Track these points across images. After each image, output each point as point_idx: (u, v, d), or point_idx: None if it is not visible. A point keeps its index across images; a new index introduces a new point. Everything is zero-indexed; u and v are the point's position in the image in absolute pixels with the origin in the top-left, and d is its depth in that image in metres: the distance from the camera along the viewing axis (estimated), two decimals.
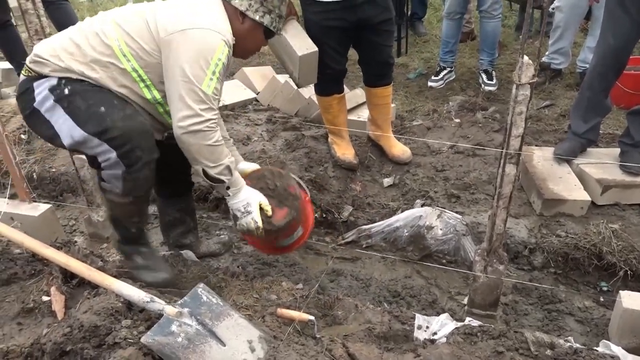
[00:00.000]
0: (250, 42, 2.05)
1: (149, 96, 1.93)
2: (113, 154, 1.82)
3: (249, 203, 2.01)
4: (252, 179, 2.17)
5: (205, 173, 1.92)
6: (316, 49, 2.70)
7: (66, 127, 1.84)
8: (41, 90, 1.86)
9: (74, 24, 5.05)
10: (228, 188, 1.99)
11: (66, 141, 1.87)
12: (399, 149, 3.24)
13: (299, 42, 2.68)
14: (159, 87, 1.92)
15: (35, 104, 1.87)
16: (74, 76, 1.84)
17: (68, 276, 1.95)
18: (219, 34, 1.83)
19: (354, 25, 2.75)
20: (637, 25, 2.54)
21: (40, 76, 1.86)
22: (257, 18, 1.96)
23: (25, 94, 1.90)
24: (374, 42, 2.85)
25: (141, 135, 1.85)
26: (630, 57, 2.75)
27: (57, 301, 1.84)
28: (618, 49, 2.62)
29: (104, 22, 1.90)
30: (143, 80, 1.89)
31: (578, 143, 2.94)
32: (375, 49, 2.89)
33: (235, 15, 1.96)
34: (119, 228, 2.10)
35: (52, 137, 1.93)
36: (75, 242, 2.42)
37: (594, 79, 2.78)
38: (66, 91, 1.82)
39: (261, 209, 2.05)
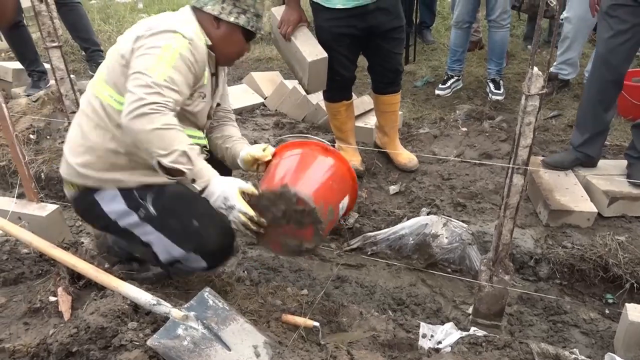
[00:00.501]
0: (230, 46, 1.94)
1: None
2: (203, 264, 1.88)
3: (226, 197, 1.74)
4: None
5: (160, 166, 1.70)
6: (326, 55, 2.72)
7: (162, 245, 1.87)
8: (111, 204, 1.87)
9: (85, 25, 5.05)
10: (194, 181, 1.73)
11: (162, 256, 1.90)
12: (405, 157, 3.25)
13: (308, 48, 2.69)
14: None
15: (114, 219, 1.89)
16: (125, 178, 1.84)
17: (75, 277, 1.96)
18: (175, 29, 1.74)
19: (364, 33, 2.76)
20: (620, 33, 2.55)
21: (92, 188, 1.88)
22: (232, 20, 1.86)
23: (92, 208, 1.91)
24: (384, 50, 2.86)
25: (232, 247, 1.89)
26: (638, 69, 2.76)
27: (63, 302, 1.84)
28: (607, 58, 2.63)
29: (94, 86, 1.87)
30: None
31: (572, 156, 2.92)
32: (385, 57, 2.90)
33: (210, 22, 1.87)
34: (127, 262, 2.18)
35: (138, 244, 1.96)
36: (82, 243, 2.43)
37: (589, 88, 2.80)
38: (152, 210, 1.82)
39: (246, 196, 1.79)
